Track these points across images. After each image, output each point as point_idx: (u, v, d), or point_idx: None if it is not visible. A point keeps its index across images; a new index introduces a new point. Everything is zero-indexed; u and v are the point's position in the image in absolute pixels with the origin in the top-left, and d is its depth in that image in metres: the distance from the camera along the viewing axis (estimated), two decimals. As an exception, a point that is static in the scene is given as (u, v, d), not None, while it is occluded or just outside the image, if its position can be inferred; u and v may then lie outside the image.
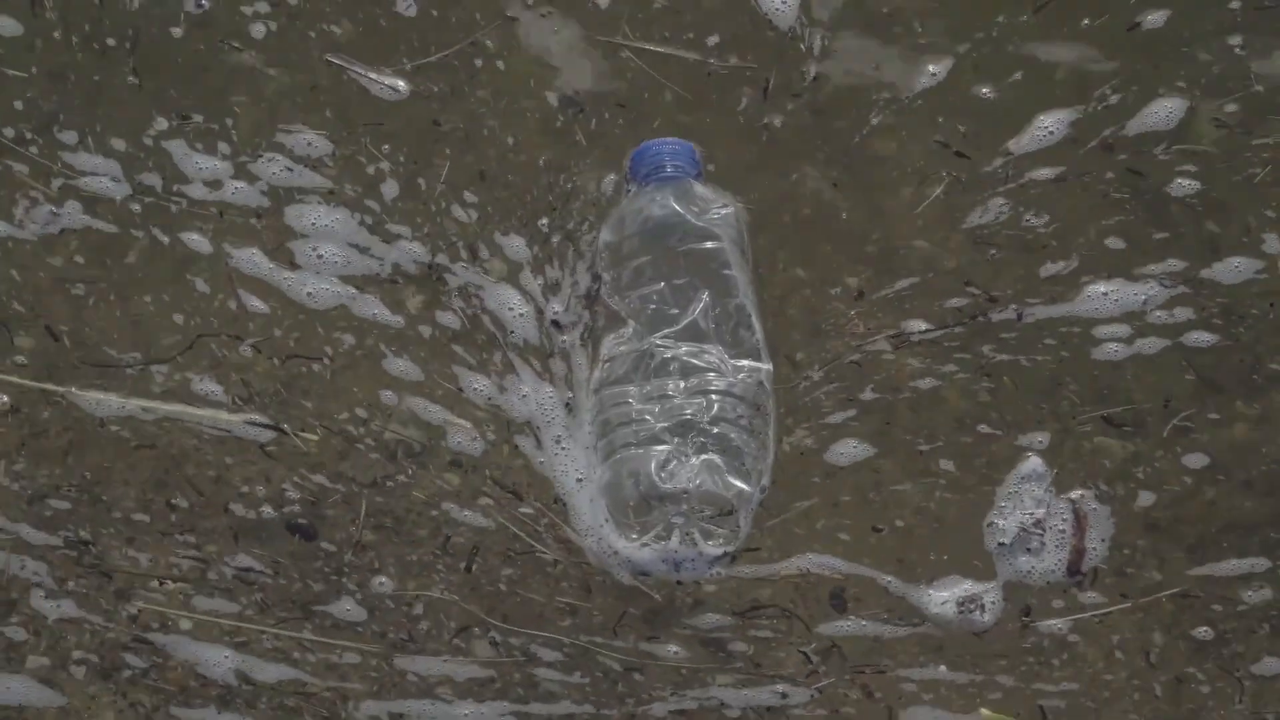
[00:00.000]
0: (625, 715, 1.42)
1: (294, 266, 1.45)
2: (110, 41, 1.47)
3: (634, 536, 1.34)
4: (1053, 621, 1.42)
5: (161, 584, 1.44)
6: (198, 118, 1.47)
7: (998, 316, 1.44)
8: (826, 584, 1.42)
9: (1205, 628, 1.42)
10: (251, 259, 1.46)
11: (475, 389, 1.45)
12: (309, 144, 1.47)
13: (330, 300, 1.45)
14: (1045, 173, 1.46)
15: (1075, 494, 1.41)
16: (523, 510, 1.43)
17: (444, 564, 1.44)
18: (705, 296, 1.33)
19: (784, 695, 1.42)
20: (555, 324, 1.43)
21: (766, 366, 1.34)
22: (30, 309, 1.45)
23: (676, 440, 1.28)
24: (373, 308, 1.46)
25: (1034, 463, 1.41)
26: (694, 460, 1.27)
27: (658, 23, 1.48)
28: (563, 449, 1.41)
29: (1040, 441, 1.43)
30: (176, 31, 1.47)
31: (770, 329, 1.38)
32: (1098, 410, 1.43)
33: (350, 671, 1.45)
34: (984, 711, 1.40)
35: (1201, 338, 1.44)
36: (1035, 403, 1.43)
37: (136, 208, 1.46)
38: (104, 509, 1.45)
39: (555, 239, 1.45)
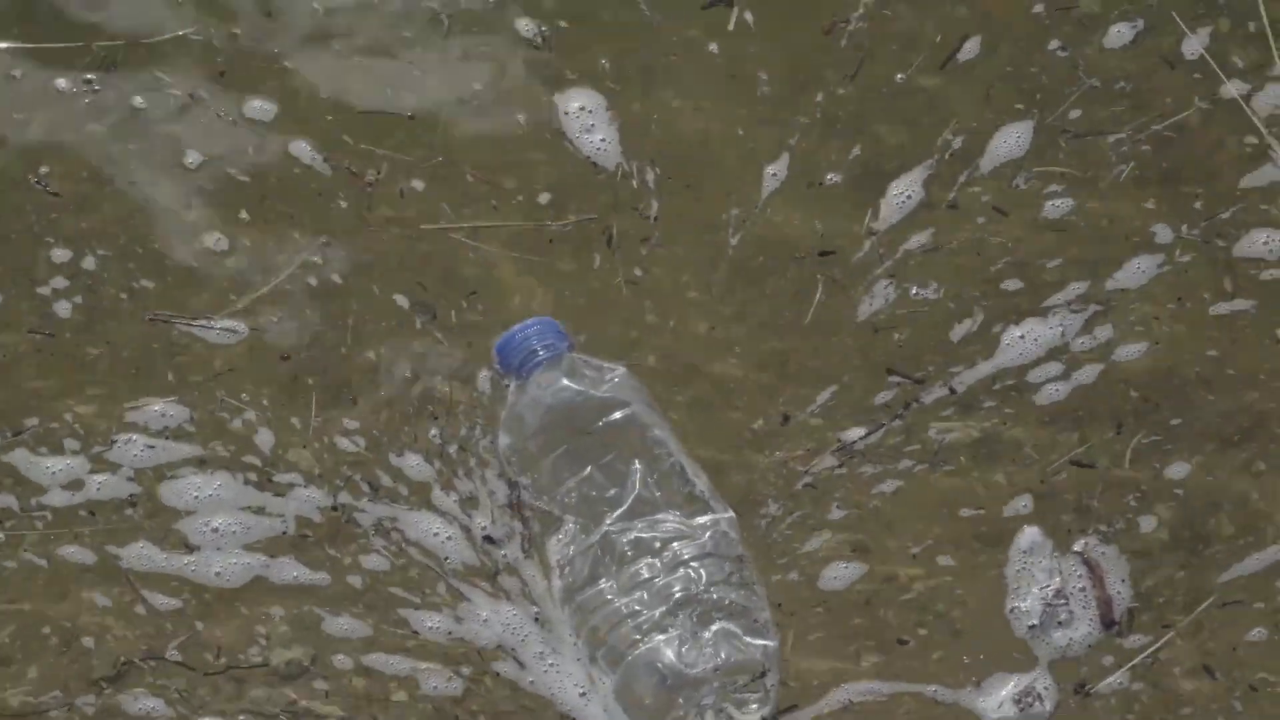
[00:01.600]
0: None
1: (190, 549, 1.36)
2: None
3: None
4: (1110, 680, 1.36)
5: None
6: (31, 422, 1.36)
7: (930, 397, 1.41)
8: (874, 712, 1.35)
9: (1258, 629, 1.38)
10: (143, 554, 1.36)
11: (430, 627, 1.36)
12: (163, 414, 1.38)
13: (242, 574, 1.36)
14: (918, 239, 1.44)
15: (1079, 545, 1.37)
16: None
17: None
18: (638, 466, 1.28)
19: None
20: (489, 539, 1.36)
21: (727, 514, 1.29)
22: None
23: (679, 621, 1.23)
24: (291, 570, 1.37)
25: (1030, 533, 1.37)
26: (707, 635, 1.22)
27: (477, 199, 1.44)
28: (551, 665, 1.34)
29: (1025, 506, 1.39)
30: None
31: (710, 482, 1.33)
32: (1063, 457, 1.41)
33: None
34: None
35: (1131, 350, 1.40)
36: (1003, 470, 1.40)
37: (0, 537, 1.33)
38: None
39: (452, 449, 1.39)
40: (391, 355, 1.42)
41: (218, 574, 1.36)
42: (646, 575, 1.24)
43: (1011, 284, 1.43)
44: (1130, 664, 1.36)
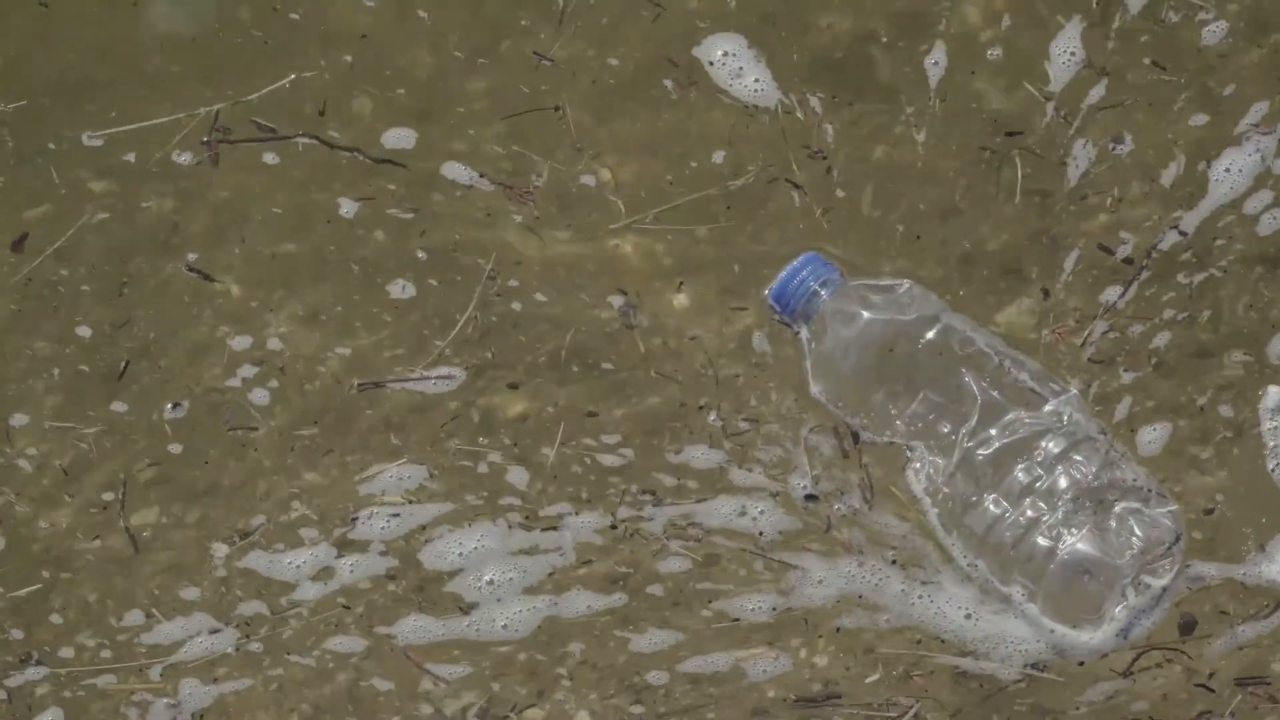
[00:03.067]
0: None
1: (465, 610, 1.28)
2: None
3: (1099, 624, 1.24)
4: None
5: None
6: (258, 521, 1.29)
7: (1165, 243, 1.37)
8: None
9: None
10: (418, 626, 1.28)
11: (753, 609, 1.28)
12: (399, 479, 1.31)
13: (531, 619, 1.28)
14: (1095, 93, 1.39)
15: None
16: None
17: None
18: (968, 376, 1.23)
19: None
20: (810, 498, 1.29)
21: (1071, 394, 1.25)
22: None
23: (1083, 515, 1.19)
24: (583, 601, 1.30)
25: (1274, 393, 1.31)
26: (1113, 521, 1.19)
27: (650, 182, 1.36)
28: (920, 597, 1.27)
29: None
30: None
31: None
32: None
33: None
34: None
35: None
36: (1243, 306, 1.34)
37: (256, 646, 1.27)
38: None
39: (742, 423, 1.31)
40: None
41: (504, 627, 1.28)
42: (1027, 479, 1.21)
43: (1197, 119, 1.37)
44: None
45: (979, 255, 1.35)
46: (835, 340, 1.26)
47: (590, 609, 1.28)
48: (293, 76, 1.39)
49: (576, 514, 1.29)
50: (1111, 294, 1.33)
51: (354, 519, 1.29)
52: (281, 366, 1.32)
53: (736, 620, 1.27)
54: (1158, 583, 1.23)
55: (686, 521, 1.29)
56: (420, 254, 1.34)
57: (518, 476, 1.30)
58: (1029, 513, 1.21)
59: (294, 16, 1.41)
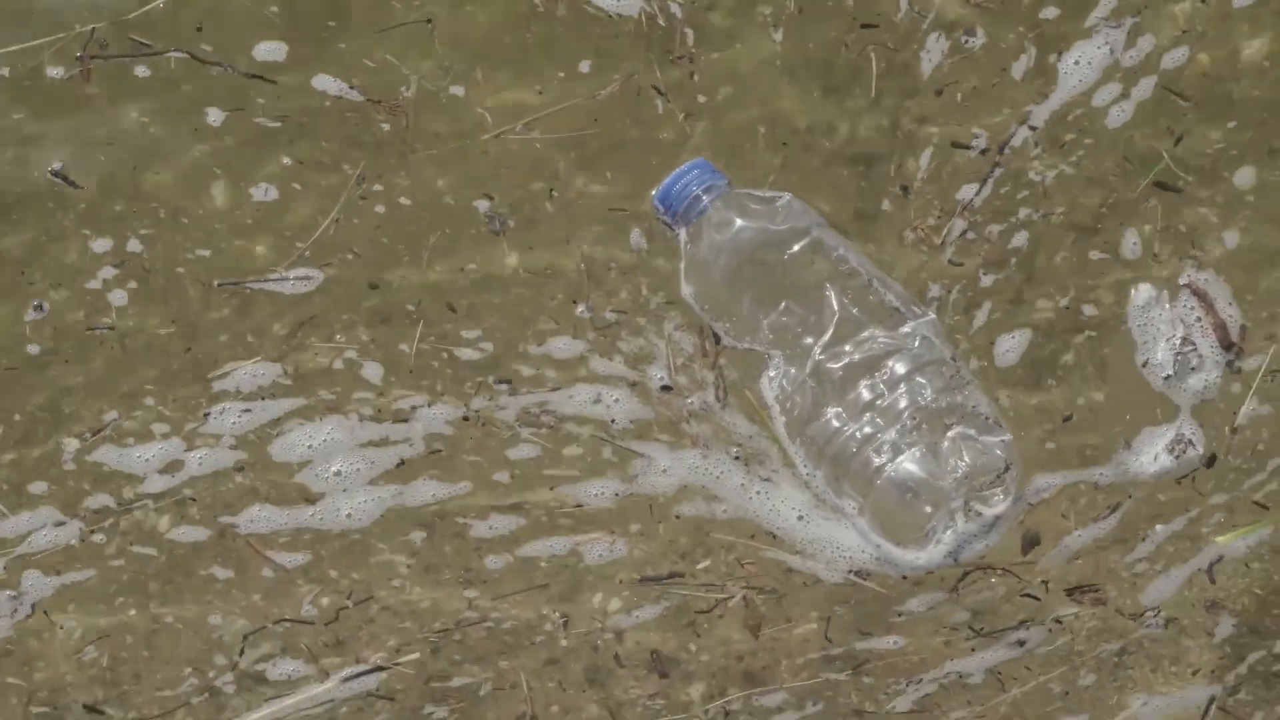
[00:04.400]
0: (871, 720, 1.25)
1: (310, 500, 1.28)
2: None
3: (924, 545, 1.26)
4: (1247, 409, 1.31)
5: None
6: (110, 416, 1.28)
7: (1017, 138, 1.37)
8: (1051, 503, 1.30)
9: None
10: (261, 515, 1.29)
11: (596, 494, 1.29)
12: (253, 375, 1.31)
13: (375, 509, 1.29)
14: None
15: (1182, 279, 1.33)
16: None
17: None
18: (830, 289, 1.25)
19: (1021, 642, 1.28)
20: (666, 388, 1.30)
21: (928, 318, 1.27)
22: (51, 704, 1.26)
23: (916, 436, 1.21)
24: (428, 490, 1.30)
25: (1144, 289, 1.34)
26: (945, 443, 1.21)
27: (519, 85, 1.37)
28: (757, 493, 1.29)
29: (1134, 244, 1.35)
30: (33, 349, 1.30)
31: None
32: (1145, 177, 1.35)
33: None
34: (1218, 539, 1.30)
35: (1177, 56, 1.39)
36: (1099, 196, 1.35)
37: (100, 538, 1.27)
38: None
39: (609, 315, 1.32)
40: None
41: (348, 516, 1.28)
42: (869, 396, 1.23)
43: (1049, 11, 1.37)
44: (1258, 382, 1.31)
45: (838, 155, 1.35)
46: (710, 244, 1.28)
47: (435, 498, 1.28)
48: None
49: (429, 406, 1.29)
50: (967, 191, 1.34)
51: (206, 414, 1.28)
52: (144, 268, 1.30)
53: (579, 506, 1.27)
54: (989, 510, 1.25)
55: (540, 409, 1.29)
56: (285, 159, 1.33)
57: (372, 372, 1.30)
58: (867, 428, 1.22)
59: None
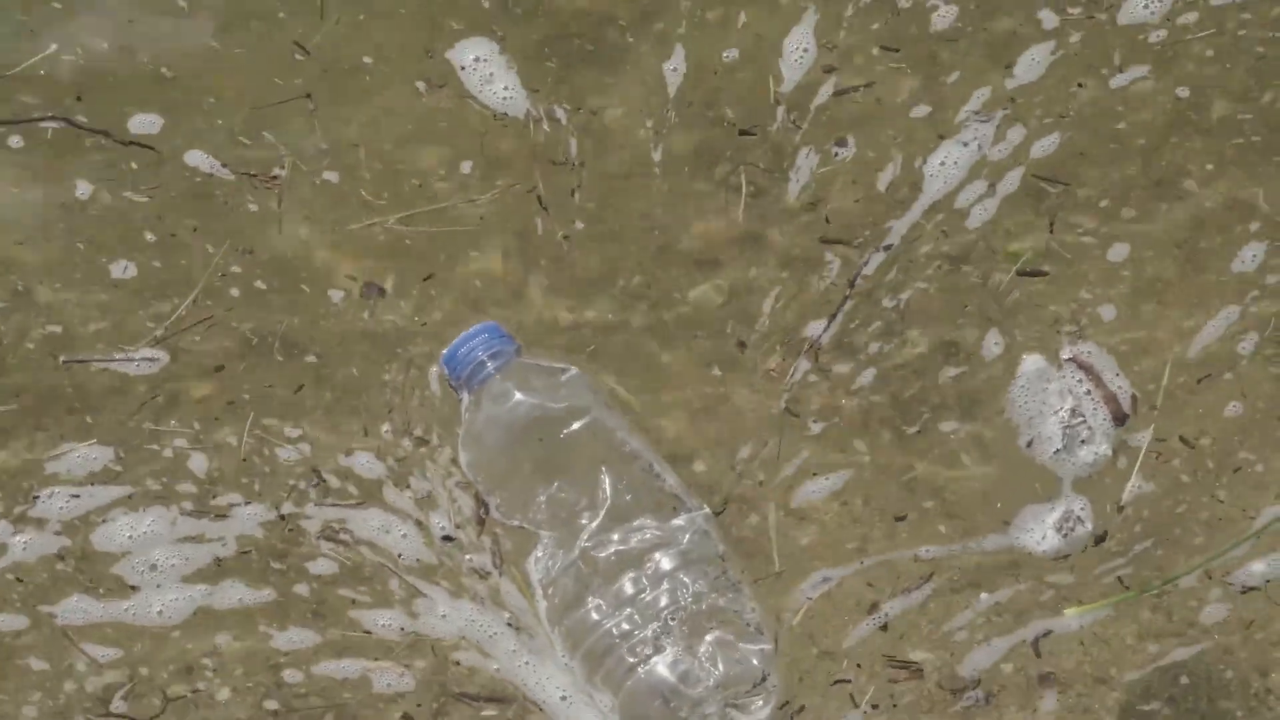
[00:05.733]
0: None
1: (130, 590, 1.25)
2: None
3: None
4: (1133, 485, 1.30)
5: None
6: (-55, 491, 1.23)
7: (871, 265, 1.36)
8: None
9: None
10: (78, 607, 1.25)
11: (384, 625, 1.27)
12: (85, 459, 1.29)
13: (186, 607, 1.26)
14: (824, 92, 1.41)
15: (1066, 352, 1.33)
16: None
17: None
18: (605, 473, 1.21)
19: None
20: (447, 538, 1.28)
21: (702, 511, 1.23)
22: None
23: (672, 637, 1.17)
24: (235, 594, 1.26)
25: (1033, 360, 1.33)
26: (702, 649, 1.17)
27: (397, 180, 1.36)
28: (526, 663, 1.26)
29: (996, 343, 1.34)
30: None
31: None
32: (1013, 266, 1.35)
33: None
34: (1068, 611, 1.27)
35: (1047, 144, 1.40)
36: (964, 308, 1.35)
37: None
38: None
39: (406, 443, 1.30)
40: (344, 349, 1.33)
41: (159, 612, 1.25)
42: (632, 591, 1.18)
43: (920, 110, 1.37)
44: (1154, 449, 1.30)
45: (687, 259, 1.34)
46: (487, 415, 1.24)
47: (241, 602, 1.26)
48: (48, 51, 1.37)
49: (246, 504, 1.27)
50: (815, 328, 1.32)
51: (35, 497, 1.26)
52: (-6, 340, 1.28)
53: (368, 633, 1.25)
54: (747, 719, 1.20)
55: (340, 526, 1.28)
56: (149, 235, 1.31)
57: (198, 463, 1.28)
58: (625, 624, 1.18)
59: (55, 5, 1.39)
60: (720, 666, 1.17)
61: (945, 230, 1.34)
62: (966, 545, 1.28)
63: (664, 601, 1.18)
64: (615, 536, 1.20)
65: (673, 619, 1.17)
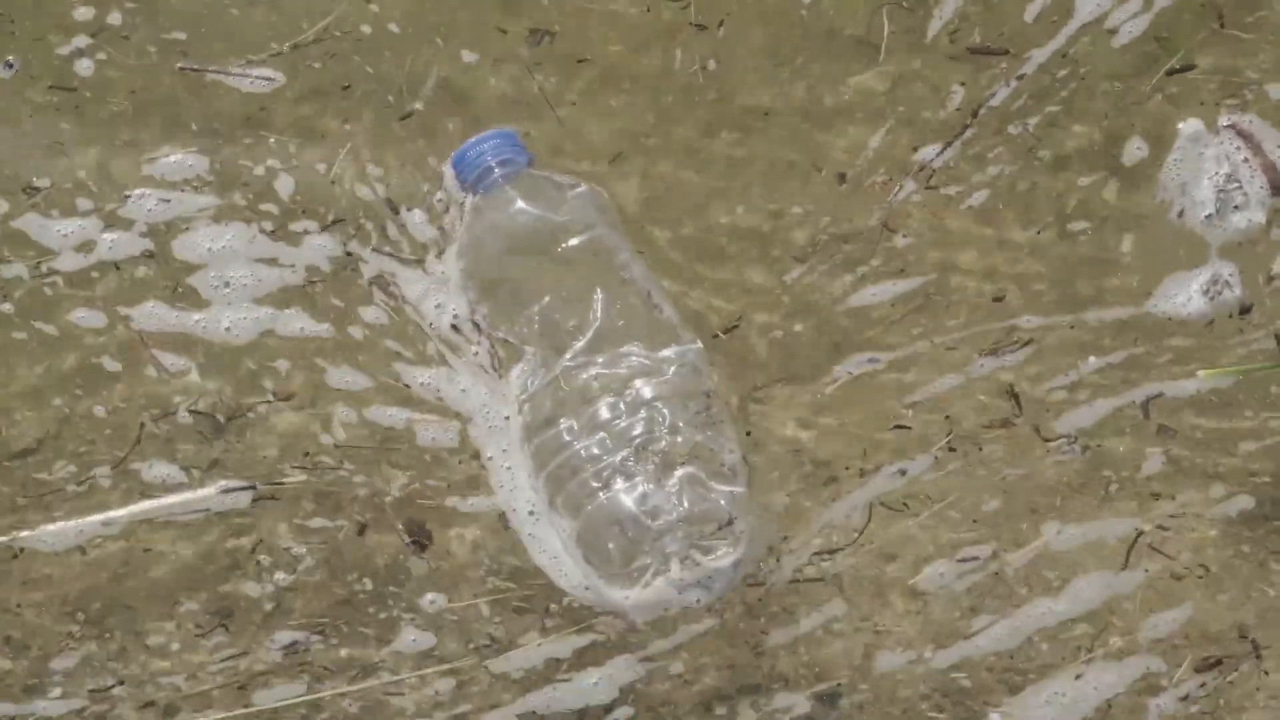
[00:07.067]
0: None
1: (202, 305, 1.24)
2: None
3: (632, 585, 1.18)
4: None
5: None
6: (43, 182, 1.25)
7: (998, 96, 1.29)
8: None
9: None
10: (154, 313, 1.25)
11: (422, 383, 1.26)
12: (180, 165, 1.28)
13: (252, 329, 1.25)
14: None
15: (1225, 120, 1.29)
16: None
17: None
18: (599, 295, 1.18)
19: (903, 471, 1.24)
20: (455, 327, 1.25)
21: (695, 345, 1.19)
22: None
23: (641, 466, 1.14)
24: (299, 322, 1.25)
25: (1190, 125, 1.28)
26: (671, 482, 1.14)
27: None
28: (506, 469, 1.24)
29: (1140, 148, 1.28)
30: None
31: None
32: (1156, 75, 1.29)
33: (456, 697, 1.23)
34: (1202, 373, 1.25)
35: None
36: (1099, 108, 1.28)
37: (8, 307, 1.25)
38: (109, 645, 1.24)
39: (449, 216, 1.28)
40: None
41: (227, 329, 1.25)
42: (607, 415, 1.16)
43: None
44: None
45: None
46: (489, 220, 1.21)
47: (302, 331, 1.25)
48: None
49: (318, 234, 1.26)
50: (928, 152, 1.28)
51: (126, 196, 1.25)
52: (115, 39, 1.28)
53: (408, 386, 1.25)
54: (709, 562, 1.16)
55: (391, 279, 1.27)
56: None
57: (285, 184, 1.27)
58: (594, 449, 1.15)
59: None
60: (686, 503, 1.13)
61: (1090, 49, 1.29)
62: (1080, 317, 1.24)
63: (638, 430, 1.14)
64: (600, 359, 1.16)
65: (645, 448, 1.14)
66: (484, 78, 1.28)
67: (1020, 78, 1.28)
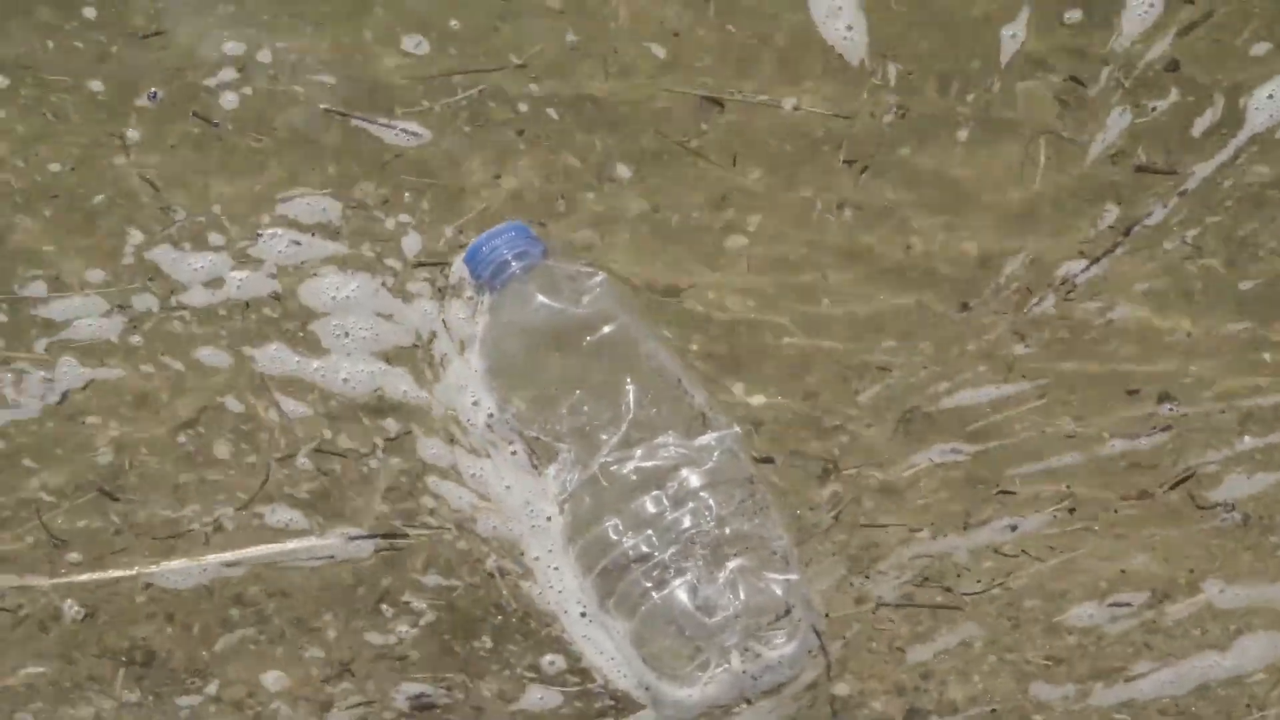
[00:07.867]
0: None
1: (323, 351, 1.25)
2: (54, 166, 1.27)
3: (692, 684, 1.15)
4: None
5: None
6: (179, 215, 1.24)
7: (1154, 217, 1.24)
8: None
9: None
10: (276, 356, 1.26)
11: (473, 475, 1.26)
12: (312, 208, 1.27)
13: (368, 383, 1.25)
14: (1159, 48, 1.26)
15: None
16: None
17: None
18: (630, 386, 1.15)
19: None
20: (490, 426, 1.23)
21: (732, 430, 1.16)
22: (61, 493, 1.26)
23: (692, 561, 1.11)
24: (403, 385, 1.26)
25: None
26: (723, 575, 1.11)
27: None
28: (554, 569, 1.23)
29: None
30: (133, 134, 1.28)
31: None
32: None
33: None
34: None
35: None
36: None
37: (137, 339, 1.25)
38: (209, 682, 1.26)
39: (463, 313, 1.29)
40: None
41: (344, 380, 1.25)
42: (652, 510, 1.13)
43: (1260, 48, 1.22)
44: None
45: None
46: (508, 317, 1.18)
47: (405, 395, 1.26)
48: None
49: (428, 298, 1.26)
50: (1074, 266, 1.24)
51: (258, 234, 1.25)
52: (264, 76, 1.28)
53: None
54: (769, 653, 1.13)
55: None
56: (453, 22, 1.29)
57: (412, 243, 1.26)
58: (643, 546, 1.12)
59: None
60: (741, 595, 1.11)
61: (1259, 157, 1.23)
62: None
63: (686, 523, 1.12)
64: (638, 452, 1.13)
65: (694, 542, 1.11)
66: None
67: (1182, 194, 1.23)
